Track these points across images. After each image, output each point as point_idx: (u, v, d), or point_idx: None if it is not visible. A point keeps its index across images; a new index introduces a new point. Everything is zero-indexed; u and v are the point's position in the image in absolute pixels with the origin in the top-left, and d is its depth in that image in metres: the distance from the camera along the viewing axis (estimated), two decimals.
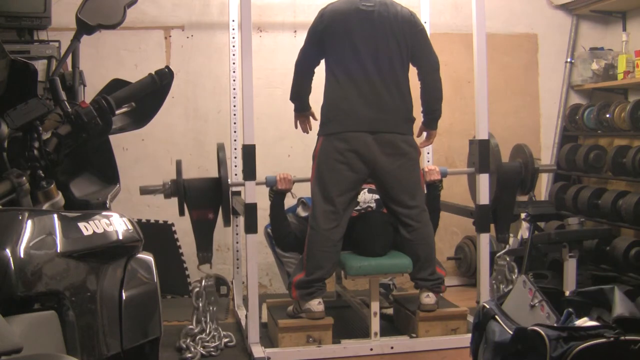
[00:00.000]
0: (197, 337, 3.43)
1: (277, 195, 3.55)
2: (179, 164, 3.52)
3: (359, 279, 3.49)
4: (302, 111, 3.62)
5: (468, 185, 4.00)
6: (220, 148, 3.60)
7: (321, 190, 3.37)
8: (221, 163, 3.53)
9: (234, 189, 4.19)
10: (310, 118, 3.63)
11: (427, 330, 3.45)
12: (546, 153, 5.09)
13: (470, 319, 3.31)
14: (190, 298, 3.51)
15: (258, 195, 3.37)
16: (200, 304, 3.47)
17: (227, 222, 3.63)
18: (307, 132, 3.68)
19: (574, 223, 3.97)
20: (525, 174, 3.80)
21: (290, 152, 4.67)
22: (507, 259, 3.76)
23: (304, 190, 3.66)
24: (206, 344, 3.42)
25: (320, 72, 3.51)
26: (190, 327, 3.47)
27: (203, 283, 3.49)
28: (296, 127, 3.67)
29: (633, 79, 4.45)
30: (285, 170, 3.61)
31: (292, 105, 3.62)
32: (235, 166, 4.09)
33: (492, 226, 3.76)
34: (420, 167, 3.55)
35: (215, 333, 3.48)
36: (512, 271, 3.73)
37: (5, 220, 1.29)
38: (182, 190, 3.44)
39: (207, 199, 3.48)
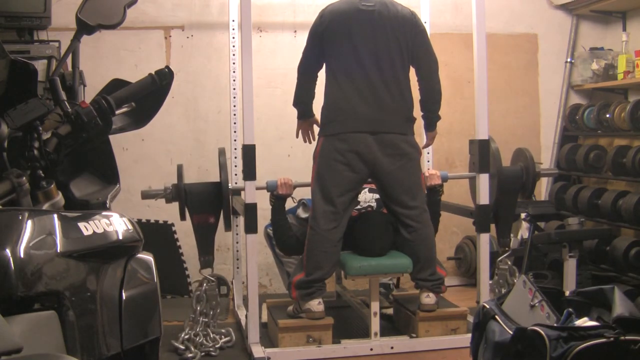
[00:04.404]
0: (197, 340, 3.41)
1: (277, 199, 3.55)
2: (180, 168, 3.52)
3: (359, 279, 3.49)
4: (305, 117, 3.59)
5: (469, 187, 4.00)
6: (221, 153, 3.61)
7: (321, 190, 3.37)
8: (222, 167, 3.54)
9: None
10: (315, 126, 3.59)
11: (427, 330, 3.45)
12: (546, 153, 5.09)
13: (470, 319, 3.31)
14: (191, 298, 3.50)
15: (258, 196, 3.37)
16: (199, 308, 3.47)
17: (227, 227, 3.65)
18: (310, 142, 3.66)
19: (574, 223, 3.97)
20: (526, 178, 3.81)
21: (290, 152, 4.66)
22: (509, 262, 3.76)
23: (304, 191, 3.66)
24: (204, 343, 3.41)
25: (320, 73, 3.51)
26: (186, 332, 3.43)
27: (204, 287, 3.49)
28: (297, 136, 3.64)
29: (633, 79, 4.44)
30: (285, 170, 3.62)
31: (292, 106, 3.60)
32: (236, 166, 4.08)
33: (492, 227, 3.76)
34: (421, 167, 3.54)
35: (214, 335, 3.47)
36: (513, 275, 3.73)
37: (5, 220, 1.29)
38: (183, 194, 3.45)
39: (208, 203, 3.49)
